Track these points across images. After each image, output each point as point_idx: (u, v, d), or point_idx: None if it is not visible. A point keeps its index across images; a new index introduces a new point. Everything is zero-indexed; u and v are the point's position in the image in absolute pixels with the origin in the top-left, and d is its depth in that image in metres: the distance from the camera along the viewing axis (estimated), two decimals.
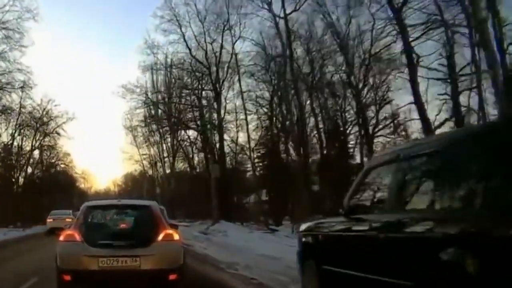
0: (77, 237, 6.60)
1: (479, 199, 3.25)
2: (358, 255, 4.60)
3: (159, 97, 41.25)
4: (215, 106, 34.95)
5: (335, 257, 5.14)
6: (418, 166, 4.13)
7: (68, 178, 55.83)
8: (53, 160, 50.46)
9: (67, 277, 6.42)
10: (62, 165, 51.72)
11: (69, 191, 55.10)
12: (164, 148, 48.70)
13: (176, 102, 39.13)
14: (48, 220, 29.27)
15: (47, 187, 47.15)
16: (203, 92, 37.10)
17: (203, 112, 37.13)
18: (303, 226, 6.27)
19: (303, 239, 6.08)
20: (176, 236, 6.94)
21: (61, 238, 6.79)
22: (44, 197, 44.66)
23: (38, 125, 44.82)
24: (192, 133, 41.80)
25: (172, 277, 6.61)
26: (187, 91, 37.64)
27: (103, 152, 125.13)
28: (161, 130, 46.08)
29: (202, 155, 41.75)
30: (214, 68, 34.10)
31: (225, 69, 33.75)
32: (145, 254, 6.49)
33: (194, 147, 43.08)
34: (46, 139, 46.63)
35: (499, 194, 3.06)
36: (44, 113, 44.51)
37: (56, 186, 48.75)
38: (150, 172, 56.86)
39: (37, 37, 75.99)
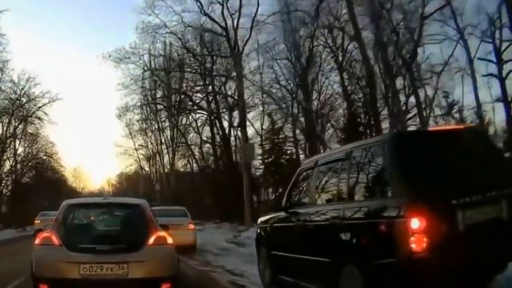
0: (55, 240, 6.39)
1: (371, 193, 5.24)
2: (293, 241, 6.71)
3: (159, 67, 38.24)
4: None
5: (278, 244, 7.31)
6: (330, 170, 6.23)
7: (59, 177, 55.13)
8: (34, 152, 46.32)
9: (44, 287, 6.24)
10: (45, 157, 47.42)
11: (60, 191, 54.43)
12: (163, 140, 48.22)
13: (179, 70, 35.78)
14: (36, 222, 29.83)
15: (32, 185, 45.96)
16: (214, 67, 34.57)
17: (215, 86, 35.11)
18: (260, 219, 8.58)
19: (258, 231, 8.42)
20: (170, 240, 6.73)
21: (37, 241, 6.60)
22: (28, 197, 42.88)
23: (14, 108, 40.92)
24: (198, 116, 40.00)
25: (164, 286, 6.41)
26: (194, 62, 34.25)
27: (95, 148, 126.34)
28: (159, 119, 45.25)
29: (208, 146, 40.82)
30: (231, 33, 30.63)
31: (251, 24, 29.55)
32: (133, 260, 6.28)
33: (198, 135, 41.84)
34: (22, 125, 42.75)
35: (384, 189, 5.01)
36: (22, 93, 40.79)
37: (42, 184, 47.16)
38: (146, 168, 56.96)
39: (14, 3, 73.10)
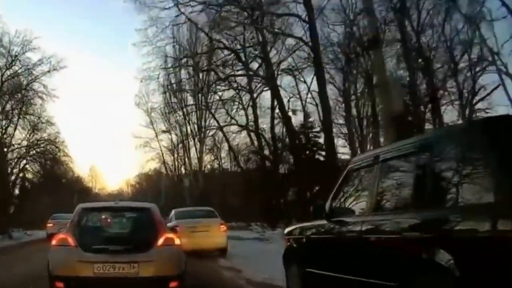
0: (71, 241, 7.87)
1: (459, 199, 4.32)
2: (341, 258, 6.00)
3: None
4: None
5: (318, 260, 6.64)
6: (398, 168, 5.44)
7: (70, 175, 56.67)
8: (35, 140, 41.48)
9: (60, 285, 7.70)
10: (48, 146, 43.11)
11: (72, 190, 56.27)
12: (189, 127, 47.27)
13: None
14: (48, 225, 31.35)
15: (35, 183, 46.07)
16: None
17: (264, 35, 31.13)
18: (288, 229, 8.06)
19: (287, 243, 7.86)
20: (177, 241, 8.18)
21: (54, 242, 8.15)
22: (30, 196, 42.45)
23: (4, 79, 35.70)
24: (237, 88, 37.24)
25: (172, 284, 7.79)
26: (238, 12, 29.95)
27: (112, 143, 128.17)
28: (184, 102, 44.20)
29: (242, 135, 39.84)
30: None
31: None
32: (143, 260, 7.68)
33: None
34: (19, 106, 37.21)
35: (478, 193, 4.14)
36: (14, 59, 35.27)
37: (49, 182, 46.89)
38: (169, 162, 57.35)
39: None
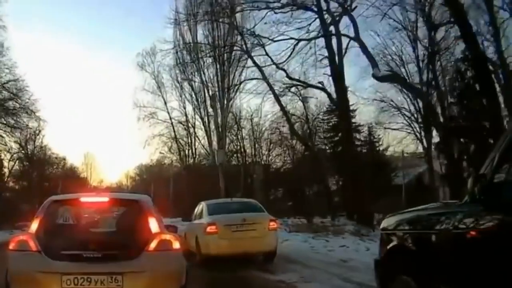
0: (32, 244, 6.93)
1: None
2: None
3: None
4: None
5: (472, 274, 4.48)
6: None
7: (65, 166, 56.83)
8: None
9: None
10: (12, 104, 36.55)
11: (61, 182, 56.44)
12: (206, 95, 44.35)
13: None
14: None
15: (22, 173, 46.88)
16: None
17: None
18: (388, 222, 6.13)
19: (391, 243, 5.88)
20: (176, 244, 7.21)
21: (11, 246, 7.18)
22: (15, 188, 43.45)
23: None
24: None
25: None
26: None
27: (111, 127, 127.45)
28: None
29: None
30: None
31: None
32: (130, 271, 6.75)
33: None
34: None
35: None
36: None
37: (37, 173, 48.15)
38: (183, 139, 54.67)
39: None
